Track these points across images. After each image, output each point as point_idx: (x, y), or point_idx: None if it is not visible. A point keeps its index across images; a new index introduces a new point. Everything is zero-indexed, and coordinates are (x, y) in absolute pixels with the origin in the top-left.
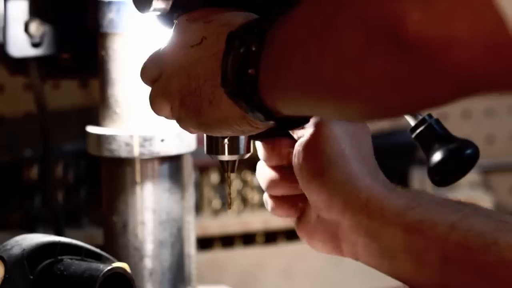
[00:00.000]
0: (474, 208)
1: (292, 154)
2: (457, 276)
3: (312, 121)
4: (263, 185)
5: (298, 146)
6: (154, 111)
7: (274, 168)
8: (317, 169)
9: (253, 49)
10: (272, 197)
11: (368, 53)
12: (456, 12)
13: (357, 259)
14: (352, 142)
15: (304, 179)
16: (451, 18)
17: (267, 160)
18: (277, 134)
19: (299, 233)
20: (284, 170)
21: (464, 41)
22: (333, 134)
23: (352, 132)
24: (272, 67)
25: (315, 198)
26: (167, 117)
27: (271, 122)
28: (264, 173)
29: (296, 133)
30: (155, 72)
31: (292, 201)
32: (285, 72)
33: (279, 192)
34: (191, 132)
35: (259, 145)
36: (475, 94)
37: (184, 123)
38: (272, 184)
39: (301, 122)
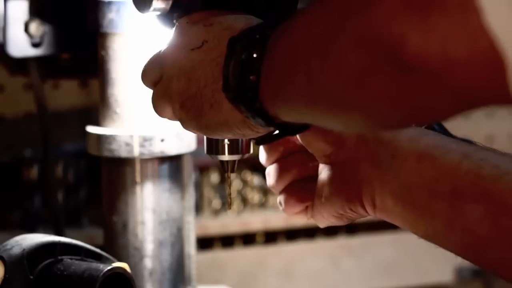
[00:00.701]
0: (489, 148)
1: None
2: (468, 205)
3: None
4: (272, 183)
5: None
6: (157, 113)
7: (276, 162)
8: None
9: (255, 55)
10: (282, 192)
11: (370, 72)
12: (453, 34)
13: (374, 210)
14: None
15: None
16: (449, 40)
17: (267, 161)
18: (279, 138)
19: (315, 219)
20: (284, 159)
21: (462, 61)
22: None
23: None
24: (274, 76)
25: (325, 139)
26: (170, 119)
27: (272, 127)
28: (269, 172)
29: None
30: (156, 74)
31: (301, 190)
32: (287, 83)
33: (286, 179)
34: (194, 133)
35: (261, 148)
36: (473, 109)
37: (186, 125)
38: (278, 175)
39: (302, 128)
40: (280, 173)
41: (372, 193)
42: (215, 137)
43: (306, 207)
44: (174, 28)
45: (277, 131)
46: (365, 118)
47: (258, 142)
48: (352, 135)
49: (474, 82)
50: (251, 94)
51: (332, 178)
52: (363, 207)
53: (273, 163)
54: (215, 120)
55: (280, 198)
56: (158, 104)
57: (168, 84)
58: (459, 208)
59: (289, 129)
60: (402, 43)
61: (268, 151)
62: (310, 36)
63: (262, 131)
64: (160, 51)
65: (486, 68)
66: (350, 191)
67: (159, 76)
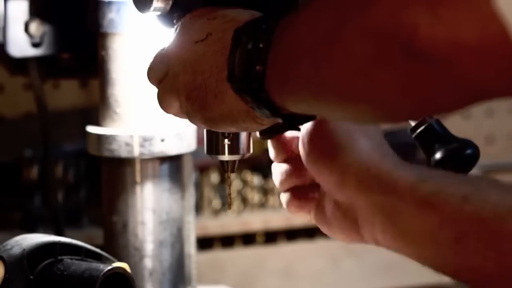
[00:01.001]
0: (487, 181)
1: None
2: (473, 249)
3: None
4: (277, 182)
5: (303, 131)
6: (163, 109)
7: (284, 161)
8: (324, 150)
9: (261, 45)
10: (286, 191)
11: (378, 61)
12: (463, 21)
13: (377, 243)
14: None
15: (313, 163)
16: (459, 26)
17: (276, 157)
18: (283, 130)
19: (318, 224)
20: (293, 161)
21: (471, 49)
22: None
23: None
24: (280, 67)
25: (327, 180)
26: (176, 114)
27: (277, 119)
28: (275, 170)
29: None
30: (161, 72)
31: (305, 194)
32: (293, 74)
33: (291, 183)
34: (200, 127)
35: (269, 144)
36: (483, 100)
37: (192, 118)
38: (284, 177)
39: (307, 119)
40: (287, 175)
41: (373, 235)
42: (219, 129)
43: (309, 200)
44: (177, 26)
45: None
46: (373, 109)
47: (262, 134)
48: (352, 181)
49: (484, 71)
50: (257, 84)
51: (334, 210)
52: (365, 241)
53: (281, 162)
54: (219, 111)
55: (283, 197)
56: (164, 100)
57: (174, 79)
58: (464, 252)
59: (295, 120)
60: (412, 31)
61: (277, 149)
62: (317, 26)
63: (267, 123)
64: (164, 49)
65: (496, 56)
66: (350, 229)
67: (164, 73)
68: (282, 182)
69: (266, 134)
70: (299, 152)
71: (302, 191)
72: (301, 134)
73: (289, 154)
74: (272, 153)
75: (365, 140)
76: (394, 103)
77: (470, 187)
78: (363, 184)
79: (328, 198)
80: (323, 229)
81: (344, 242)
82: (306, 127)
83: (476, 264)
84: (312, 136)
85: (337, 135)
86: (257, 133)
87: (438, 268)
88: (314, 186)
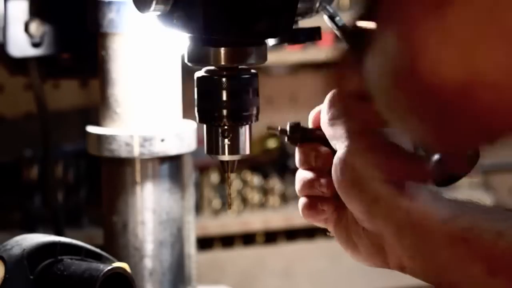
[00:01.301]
0: None
1: (322, 159)
2: (504, 286)
3: (347, 134)
4: (297, 188)
5: (336, 160)
6: None
7: (308, 170)
8: (354, 182)
9: None
10: (305, 197)
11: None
12: (479, 47)
13: (403, 271)
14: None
15: (344, 193)
16: (473, 55)
17: (301, 164)
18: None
19: (342, 246)
20: (316, 171)
21: (489, 82)
22: (370, 143)
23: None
24: None
25: (357, 209)
26: None
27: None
28: (298, 176)
29: (334, 146)
30: None
31: (321, 203)
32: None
33: (310, 192)
34: None
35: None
36: (504, 139)
37: None
38: (304, 184)
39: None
40: (308, 183)
41: (401, 264)
42: None
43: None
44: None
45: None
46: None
47: (290, 139)
48: (381, 215)
49: (505, 108)
50: None
51: (361, 235)
52: (390, 268)
53: (305, 169)
54: None
55: (300, 202)
56: None
57: None
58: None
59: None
60: (416, 59)
61: (304, 157)
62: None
63: None
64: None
65: None
66: (376, 255)
67: None
68: (301, 189)
69: (296, 141)
70: (323, 166)
71: (320, 201)
72: (334, 162)
73: (314, 164)
74: (297, 160)
75: None
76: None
77: (504, 223)
78: (392, 218)
79: (356, 223)
80: (347, 251)
81: (367, 266)
82: (338, 155)
83: None
84: (343, 165)
85: (367, 165)
86: (286, 138)
87: None
88: (334, 199)
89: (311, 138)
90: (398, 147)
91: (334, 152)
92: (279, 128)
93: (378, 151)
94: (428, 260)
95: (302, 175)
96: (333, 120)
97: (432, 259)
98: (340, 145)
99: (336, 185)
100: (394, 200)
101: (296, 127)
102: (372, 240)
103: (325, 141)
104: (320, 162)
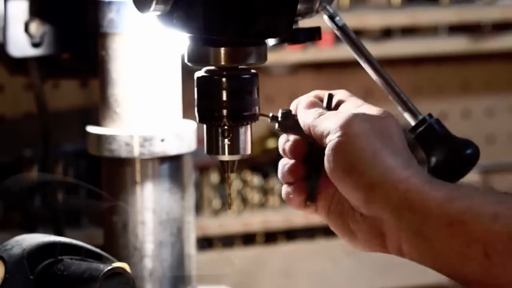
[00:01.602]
0: None
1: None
2: (500, 268)
3: (339, 123)
4: (280, 175)
5: (328, 150)
6: None
7: (292, 158)
8: (350, 168)
9: None
10: (287, 184)
11: None
12: None
13: (401, 255)
14: (382, 137)
15: (339, 179)
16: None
17: (285, 153)
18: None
19: (340, 235)
20: (299, 160)
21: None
22: (361, 131)
23: (381, 127)
24: None
25: (353, 196)
26: None
27: None
28: (281, 163)
29: (325, 138)
30: None
31: (303, 186)
32: None
33: (292, 178)
34: None
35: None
36: None
37: None
38: (287, 171)
39: None
40: (291, 170)
41: (399, 247)
42: None
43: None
44: None
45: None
46: None
47: (280, 127)
48: (379, 199)
49: None
50: None
51: (358, 222)
52: (389, 252)
53: (289, 157)
54: None
55: (283, 189)
56: None
57: None
58: (493, 269)
59: None
60: None
61: (292, 144)
62: None
63: None
64: None
65: None
66: (375, 240)
67: None
68: (284, 175)
69: (284, 126)
70: (302, 155)
71: (301, 184)
72: (326, 150)
73: (297, 153)
74: (281, 146)
75: (391, 156)
76: None
77: (500, 206)
78: (389, 200)
79: (352, 210)
80: (344, 239)
81: (365, 251)
82: (331, 145)
83: (504, 281)
84: (337, 153)
85: (361, 151)
86: (276, 125)
87: (465, 283)
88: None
89: (300, 129)
90: None
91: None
92: (270, 115)
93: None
94: (426, 241)
95: (285, 162)
96: (316, 119)
97: (429, 240)
98: (331, 136)
99: (329, 175)
100: (392, 184)
101: (287, 114)
102: (370, 225)
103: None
104: (300, 149)
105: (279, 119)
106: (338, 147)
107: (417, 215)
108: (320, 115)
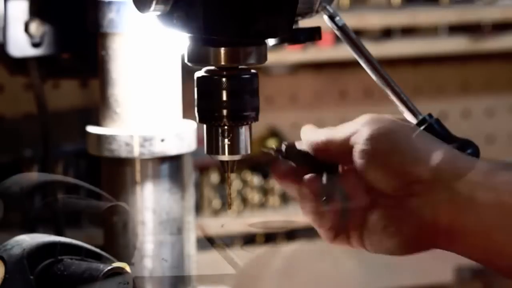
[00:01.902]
0: None
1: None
2: None
3: (362, 120)
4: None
5: (359, 146)
6: None
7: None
8: (393, 150)
9: None
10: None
11: None
12: None
13: (435, 246)
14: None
15: (375, 168)
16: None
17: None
18: None
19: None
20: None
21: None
22: (387, 119)
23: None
24: None
25: (390, 179)
26: None
27: None
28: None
29: (352, 135)
30: None
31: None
32: None
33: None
34: None
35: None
36: None
37: None
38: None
39: None
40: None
41: (449, 232)
42: None
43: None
44: None
45: None
46: None
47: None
48: (425, 170)
49: None
50: None
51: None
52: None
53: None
54: None
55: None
56: None
57: None
58: None
59: None
60: None
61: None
62: None
63: None
64: None
65: None
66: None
67: None
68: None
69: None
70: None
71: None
72: (355, 149)
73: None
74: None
75: (428, 136)
76: None
77: None
78: (427, 173)
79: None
80: (372, 248)
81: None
82: (364, 135)
83: None
84: (376, 139)
85: (400, 133)
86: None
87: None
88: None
89: (305, 162)
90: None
91: (321, 177)
92: (274, 148)
93: None
94: (478, 217)
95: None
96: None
97: (481, 220)
98: (362, 129)
99: (367, 166)
100: (428, 154)
101: (291, 148)
102: (399, 227)
103: (317, 166)
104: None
105: (283, 151)
106: (374, 136)
107: (466, 183)
108: (331, 129)
